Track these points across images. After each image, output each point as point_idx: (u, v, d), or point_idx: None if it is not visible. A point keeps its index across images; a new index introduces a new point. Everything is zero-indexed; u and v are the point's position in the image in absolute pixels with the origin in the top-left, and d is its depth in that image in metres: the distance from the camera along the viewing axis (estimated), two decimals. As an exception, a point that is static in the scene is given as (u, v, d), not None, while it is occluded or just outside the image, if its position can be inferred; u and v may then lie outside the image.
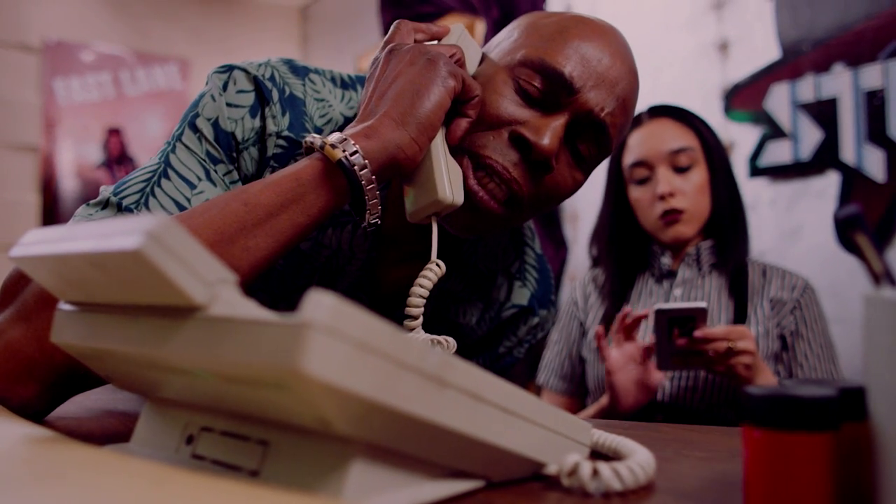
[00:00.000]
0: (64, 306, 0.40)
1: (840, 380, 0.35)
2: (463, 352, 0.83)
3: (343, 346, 0.27)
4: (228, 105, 0.65)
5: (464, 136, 0.62)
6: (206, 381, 0.33)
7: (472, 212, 0.63)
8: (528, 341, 0.85)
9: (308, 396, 0.28)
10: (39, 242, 0.37)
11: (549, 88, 0.62)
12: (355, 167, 0.54)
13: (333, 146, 0.54)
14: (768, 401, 0.31)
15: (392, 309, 0.75)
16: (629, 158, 1.26)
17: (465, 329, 0.79)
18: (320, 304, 0.27)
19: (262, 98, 0.66)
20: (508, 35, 0.67)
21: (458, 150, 0.62)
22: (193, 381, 0.34)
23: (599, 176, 2.21)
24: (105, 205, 0.59)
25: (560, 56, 0.62)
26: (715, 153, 1.24)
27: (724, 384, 1.14)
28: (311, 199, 0.54)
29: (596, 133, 0.64)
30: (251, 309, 0.31)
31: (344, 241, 0.70)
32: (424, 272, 0.60)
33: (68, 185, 3.27)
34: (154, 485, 0.28)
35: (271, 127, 0.66)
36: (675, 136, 1.23)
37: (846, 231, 0.32)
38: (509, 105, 0.62)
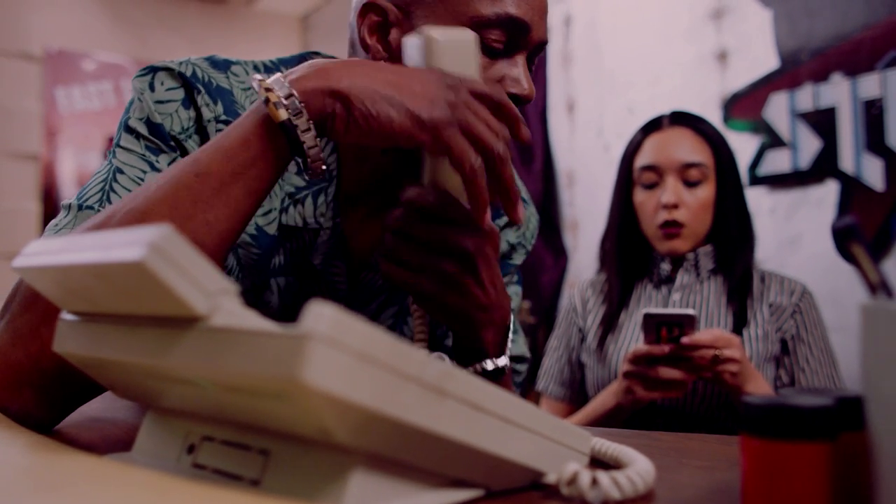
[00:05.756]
0: (66, 316, 0.40)
1: (839, 387, 0.35)
2: None
3: (343, 356, 0.28)
4: (158, 102, 0.66)
5: None
6: (207, 390, 0.33)
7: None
8: (523, 245, 0.86)
9: (309, 406, 0.28)
10: (42, 253, 0.37)
11: (509, 37, 0.65)
12: (294, 122, 0.52)
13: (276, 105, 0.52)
14: (766, 410, 0.31)
15: (369, 271, 0.75)
16: (641, 161, 1.26)
17: None
18: (321, 316, 0.27)
19: (190, 90, 0.67)
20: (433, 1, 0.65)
21: None
22: (195, 390, 0.34)
23: (601, 184, 2.22)
24: (68, 211, 0.61)
25: (507, 4, 0.65)
26: (727, 171, 1.24)
27: (714, 385, 1.14)
28: (262, 165, 0.53)
29: (539, 53, 0.69)
30: (253, 320, 0.31)
31: (308, 215, 0.71)
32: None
33: (69, 193, 3.27)
34: (155, 495, 0.29)
35: (207, 113, 0.67)
36: (692, 150, 1.23)
37: (843, 241, 0.33)
38: (483, 71, 0.65)
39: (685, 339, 1.02)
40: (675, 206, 1.21)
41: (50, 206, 3.22)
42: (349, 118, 0.52)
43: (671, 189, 1.21)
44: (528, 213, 0.86)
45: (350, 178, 0.72)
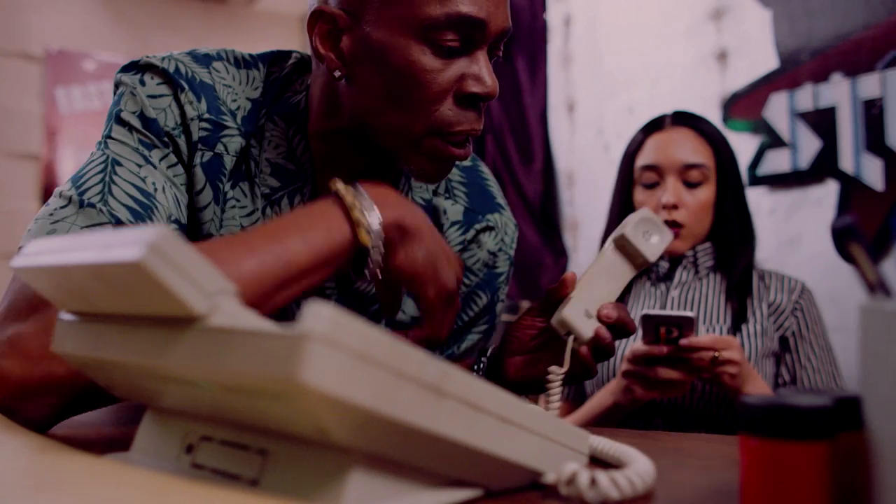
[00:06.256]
0: (65, 316, 0.40)
1: (840, 385, 0.35)
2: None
3: (342, 356, 0.28)
4: (151, 97, 0.67)
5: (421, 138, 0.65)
6: (205, 390, 0.33)
7: (449, 164, 0.69)
8: (504, 251, 0.86)
9: (307, 406, 0.28)
10: (40, 253, 0.37)
11: (464, 35, 0.63)
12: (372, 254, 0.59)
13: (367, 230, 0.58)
14: (764, 410, 0.31)
15: (363, 280, 0.76)
16: (642, 160, 1.26)
17: None
18: (320, 316, 0.27)
19: (174, 87, 0.67)
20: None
21: (427, 135, 0.65)
22: (193, 390, 0.34)
23: (601, 184, 2.22)
24: (67, 202, 0.61)
25: (457, 2, 0.62)
26: (728, 173, 1.24)
27: (712, 385, 1.14)
28: (333, 265, 0.59)
29: (503, 40, 0.67)
30: (251, 320, 0.31)
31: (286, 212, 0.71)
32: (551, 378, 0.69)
33: (69, 193, 3.27)
34: (154, 494, 0.29)
35: (191, 112, 0.67)
36: (693, 151, 1.23)
37: (842, 241, 0.33)
38: (440, 73, 0.63)
39: (684, 341, 1.02)
40: (674, 207, 1.21)
41: (50, 206, 3.22)
42: (397, 247, 0.60)
43: (671, 190, 1.22)
44: (505, 219, 0.86)
45: (324, 177, 0.72)
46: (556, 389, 0.69)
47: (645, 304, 1.26)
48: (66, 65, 3.30)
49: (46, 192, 3.21)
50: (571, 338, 0.68)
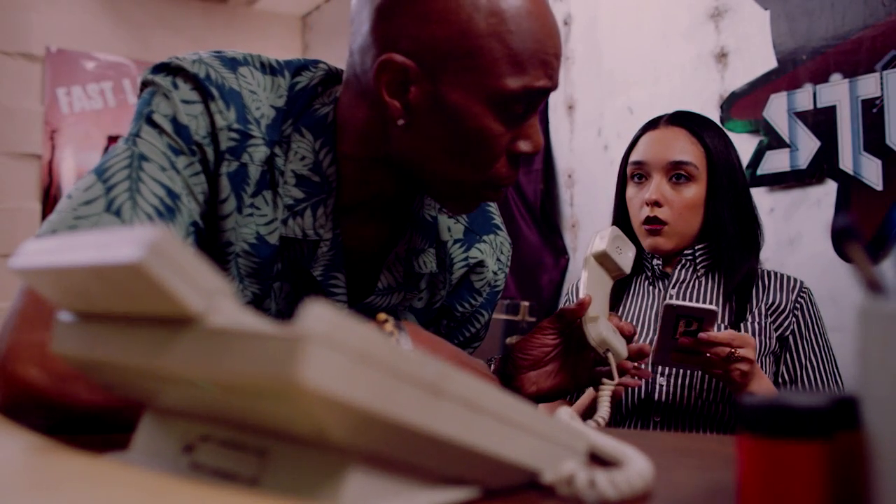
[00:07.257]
0: (63, 316, 0.40)
1: (840, 383, 0.35)
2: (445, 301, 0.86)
3: (340, 357, 0.28)
4: (184, 102, 0.66)
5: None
6: (204, 390, 0.33)
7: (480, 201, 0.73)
8: (502, 270, 0.89)
9: (306, 407, 0.28)
10: (39, 253, 0.37)
11: (530, 103, 0.66)
12: None
13: None
14: (762, 409, 0.31)
15: (366, 277, 0.77)
16: (633, 156, 1.27)
17: (433, 277, 0.82)
18: (319, 317, 0.27)
19: (204, 94, 0.67)
20: (459, 50, 0.62)
21: (477, 186, 0.68)
22: (193, 390, 0.34)
23: (601, 184, 2.22)
24: (94, 197, 0.61)
25: (537, 71, 0.64)
26: (721, 173, 1.23)
27: (720, 381, 1.15)
28: None
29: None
30: (250, 320, 0.31)
31: (307, 227, 0.71)
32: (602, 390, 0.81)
33: (69, 193, 3.27)
34: (153, 495, 0.29)
35: (220, 121, 0.67)
36: (682, 149, 1.23)
37: (841, 241, 0.33)
38: (503, 137, 0.66)
39: (703, 335, 1.02)
40: (656, 204, 1.21)
41: (50, 205, 3.22)
42: None
43: (654, 186, 1.22)
44: (501, 239, 0.88)
45: (348, 193, 0.72)
46: (606, 400, 0.79)
47: (640, 305, 1.26)
48: (66, 65, 3.30)
49: (46, 192, 3.21)
50: (610, 354, 0.79)
